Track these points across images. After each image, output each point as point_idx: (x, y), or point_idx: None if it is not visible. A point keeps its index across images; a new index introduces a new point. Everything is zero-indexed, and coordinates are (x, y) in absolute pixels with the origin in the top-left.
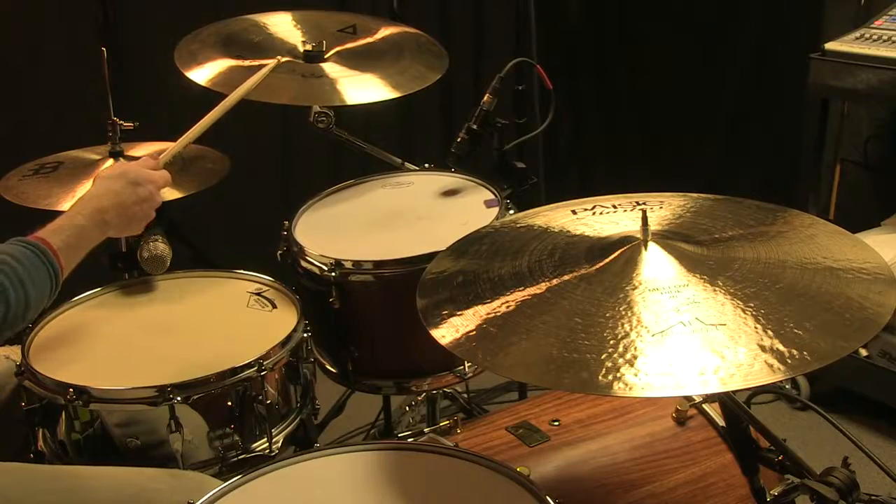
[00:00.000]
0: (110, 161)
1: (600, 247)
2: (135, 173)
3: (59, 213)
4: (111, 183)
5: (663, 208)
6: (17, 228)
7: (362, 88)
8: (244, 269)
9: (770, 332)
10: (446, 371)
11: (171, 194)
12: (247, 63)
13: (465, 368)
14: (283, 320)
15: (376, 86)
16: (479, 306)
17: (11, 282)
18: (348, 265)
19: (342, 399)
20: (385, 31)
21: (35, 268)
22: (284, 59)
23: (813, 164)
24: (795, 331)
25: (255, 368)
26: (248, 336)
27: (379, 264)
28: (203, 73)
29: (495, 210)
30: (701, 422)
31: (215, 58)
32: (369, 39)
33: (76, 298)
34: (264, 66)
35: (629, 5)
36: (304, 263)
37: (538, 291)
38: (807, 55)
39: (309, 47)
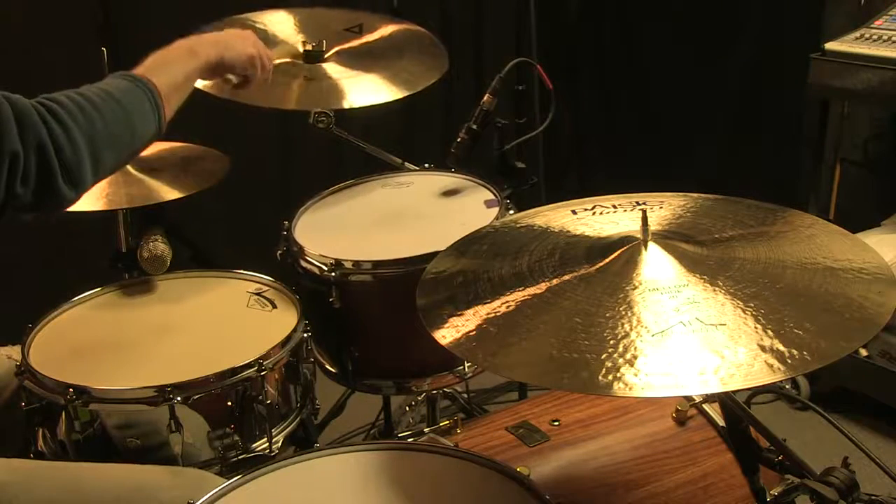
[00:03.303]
0: None
1: (600, 247)
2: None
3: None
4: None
5: (663, 208)
6: (17, 228)
7: (364, 90)
8: (244, 269)
9: (770, 332)
10: (446, 371)
11: (171, 194)
12: None
13: (465, 368)
14: (283, 320)
15: (378, 87)
16: (479, 306)
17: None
18: (348, 265)
19: (342, 399)
20: (387, 30)
21: (128, 89)
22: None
23: (813, 164)
24: (795, 331)
25: (255, 368)
26: (248, 336)
27: (379, 264)
28: None
29: (495, 210)
30: (701, 422)
31: None
32: (370, 38)
33: (76, 298)
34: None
35: (629, 5)
36: (304, 263)
37: (538, 291)
38: (807, 55)
39: (309, 47)
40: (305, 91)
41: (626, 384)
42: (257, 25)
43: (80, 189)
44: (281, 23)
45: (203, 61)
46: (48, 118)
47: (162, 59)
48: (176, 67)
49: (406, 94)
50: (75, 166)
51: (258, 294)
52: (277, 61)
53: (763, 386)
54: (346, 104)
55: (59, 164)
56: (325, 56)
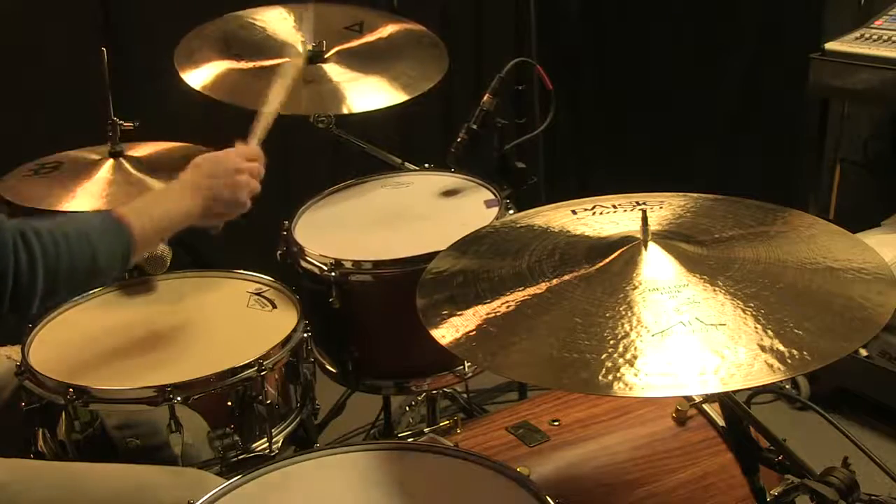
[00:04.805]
0: (110, 161)
1: (600, 247)
2: (233, 163)
3: (60, 213)
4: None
5: (663, 208)
6: None
7: (365, 94)
8: (244, 269)
9: (770, 332)
10: (446, 371)
11: None
12: (245, 65)
13: (465, 368)
14: (283, 320)
15: (379, 90)
16: (479, 306)
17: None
18: (348, 265)
19: (342, 399)
20: (388, 30)
21: (106, 230)
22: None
23: (813, 164)
24: (795, 331)
25: (255, 368)
26: (248, 336)
27: (379, 264)
28: (200, 76)
29: (495, 210)
30: (701, 422)
31: (213, 59)
32: (370, 38)
33: (76, 298)
34: (263, 67)
35: (629, 5)
36: (303, 263)
37: (538, 291)
38: (807, 55)
39: (309, 47)
40: (306, 94)
41: (626, 384)
42: (256, 24)
43: (19, 313)
44: (280, 21)
45: (194, 216)
46: (20, 249)
47: (154, 202)
48: (163, 220)
49: (407, 97)
50: (25, 298)
51: (258, 294)
52: (277, 62)
53: (763, 386)
54: (347, 109)
55: (11, 293)
56: (326, 56)
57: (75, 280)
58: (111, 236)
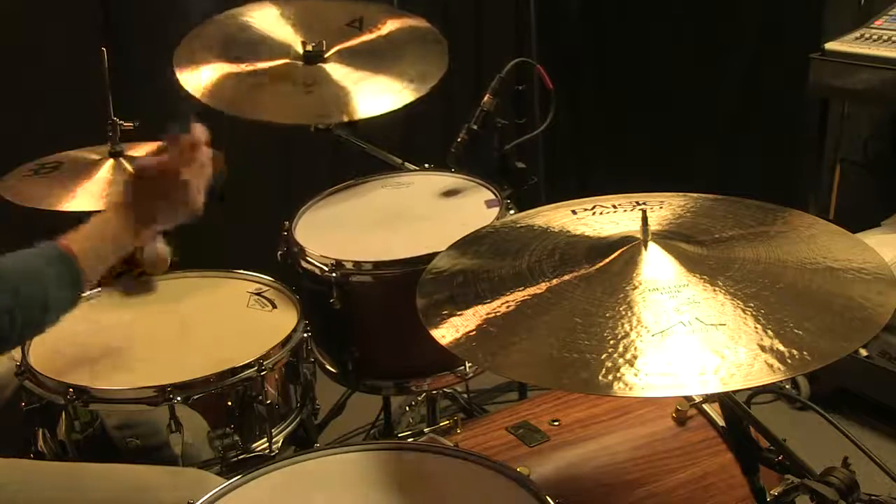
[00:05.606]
0: (110, 161)
1: (600, 247)
2: (167, 176)
3: (59, 213)
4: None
5: (663, 208)
6: (17, 228)
7: (372, 97)
8: (244, 269)
9: (770, 332)
10: (446, 371)
11: None
12: (243, 68)
13: (465, 368)
14: (283, 320)
15: (385, 91)
16: (479, 306)
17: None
18: (349, 266)
19: (342, 399)
20: (388, 27)
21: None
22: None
23: (813, 164)
24: (795, 331)
25: (255, 368)
26: (248, 336)
27: (379, 265)
28: (197, 79)
29: (495, 210)
30: (701, 422)
31: (212, 61)
32: (371, 36)
33: None
34: (260, 70)
35: (629, 5)
36: (304, 264)
37: (538, 291)
38: (807, 55)
39: (309, 48)
40: (309, 101)
41: (626, 384)
42: (254, 25)
43: None
44: (276, 20)
45: (130, 246)
46: None
47: (99, 234)
48: (110, 253)
49: (412, 98)
50: None
51: (258, 294)
52: (276, 62)
53: (763, 386)
54: (349, 116)
55: None
56: (326, 56)
57: (23, 333)
58: (64, 282)
